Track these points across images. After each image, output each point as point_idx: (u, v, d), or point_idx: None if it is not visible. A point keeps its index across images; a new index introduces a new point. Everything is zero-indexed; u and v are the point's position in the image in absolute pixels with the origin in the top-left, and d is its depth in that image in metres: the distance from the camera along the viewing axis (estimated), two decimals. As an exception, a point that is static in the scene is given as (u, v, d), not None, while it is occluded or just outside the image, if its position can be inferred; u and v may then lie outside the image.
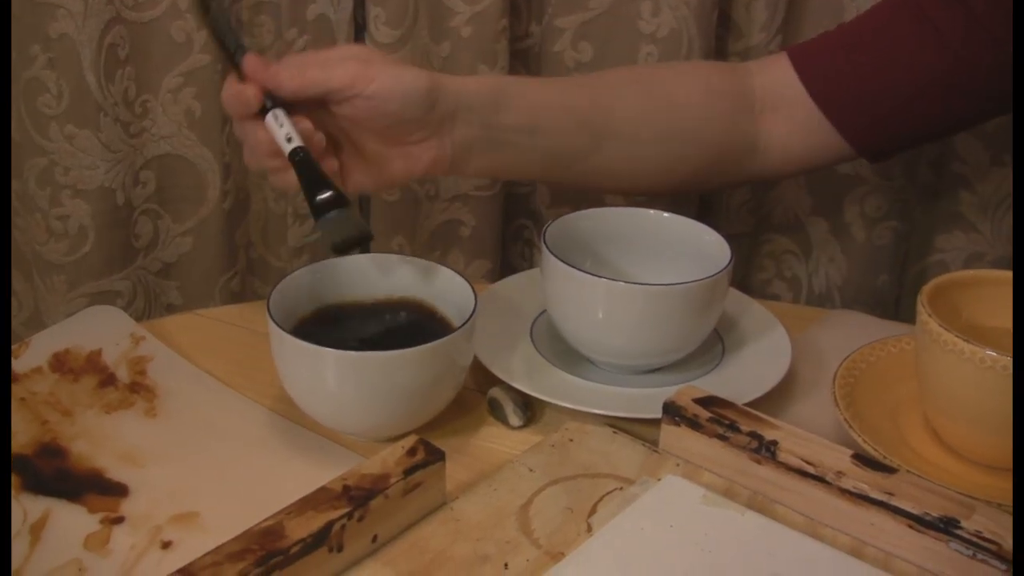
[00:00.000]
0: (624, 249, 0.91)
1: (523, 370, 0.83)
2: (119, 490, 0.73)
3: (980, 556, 0.65)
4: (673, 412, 0.74)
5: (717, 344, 0.88)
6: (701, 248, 0.86)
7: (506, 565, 0.65)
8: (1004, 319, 0.79)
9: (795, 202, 1.24)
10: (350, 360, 0.73)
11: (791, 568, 0.66)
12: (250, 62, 0.81)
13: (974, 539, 0.65)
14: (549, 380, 0.83)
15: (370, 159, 0.86)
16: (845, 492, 0.69)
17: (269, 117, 0.80)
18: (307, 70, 0.81)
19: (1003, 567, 0.64)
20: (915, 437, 0.79)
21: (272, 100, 0.81)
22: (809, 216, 1.25)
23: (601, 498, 0.71)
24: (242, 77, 0.81)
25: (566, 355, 0.87)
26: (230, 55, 0.84)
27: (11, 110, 1.07)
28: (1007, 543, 0.64)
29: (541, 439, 0.78)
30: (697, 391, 0.75)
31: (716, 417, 0.73)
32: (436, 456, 0.69)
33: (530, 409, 0.81)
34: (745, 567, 0.66)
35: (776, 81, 0.96)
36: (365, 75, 0.81)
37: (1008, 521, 0.65)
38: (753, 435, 0.72)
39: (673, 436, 0.75)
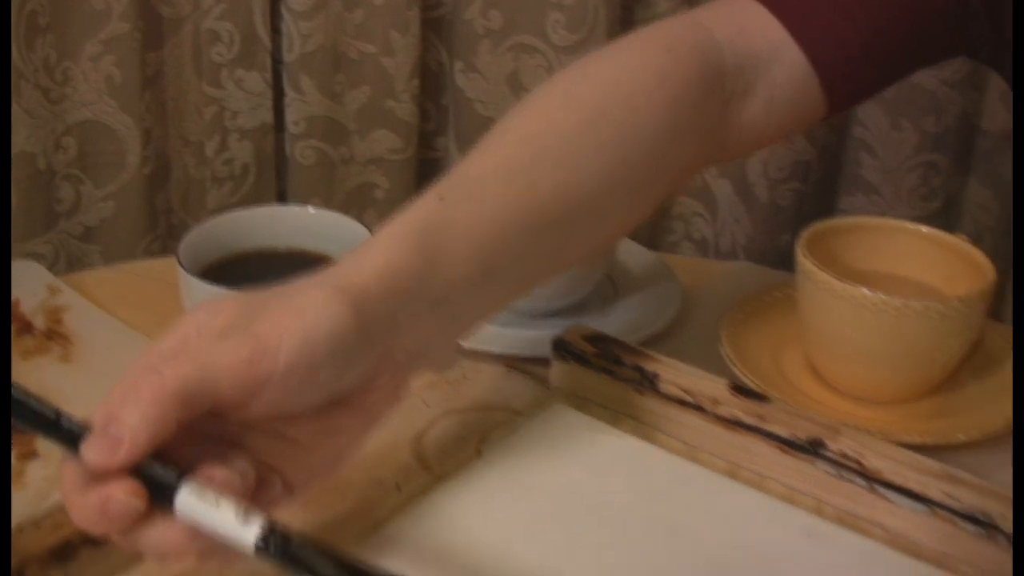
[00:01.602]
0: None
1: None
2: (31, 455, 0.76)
3: (845, 475, 0.69)
4: (562, 348, 0.78)
5: (611, 291, 0.92)
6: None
7: (398, 487, 0.68)
8: (878, 263, 0.84)
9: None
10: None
11: (670, 487, 0.70)
12: (98, 444, 0.50)
13: (839, 459, 0.69)
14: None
15: (304, 445, 0.56)
16: (721, 419, 0.73)
17: (185, 500, 0.50)
18: (168, 402, 0.50)
19: (865, 485, 0.68)
20: (794, 373, 0.84)
21: (154, 471, 0.50)
22: (715, 178, 1.29)
23: (492, 428, 0.74)
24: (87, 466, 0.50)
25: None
26: (58, 436, 0.52)
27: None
28: (869, 461, 0.68)
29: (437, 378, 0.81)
30: (585, 329, 0.79)
31: (602, 353, 0.77)
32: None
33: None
34: (626, 487, 0.71)
35: (752, 43, 0.76)
36: (260, 356, 0.52)
37: (871, 442, 0.70)
38: (636, 368, 0.75)
39: (562, 372, 0.79)
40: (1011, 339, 0.85)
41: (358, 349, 0.54)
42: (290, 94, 1.22)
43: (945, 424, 0.78)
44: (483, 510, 0.67)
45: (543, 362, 0.81)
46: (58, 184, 1.17)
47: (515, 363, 0.83)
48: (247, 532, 0.49)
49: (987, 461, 0.73)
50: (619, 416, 0.77)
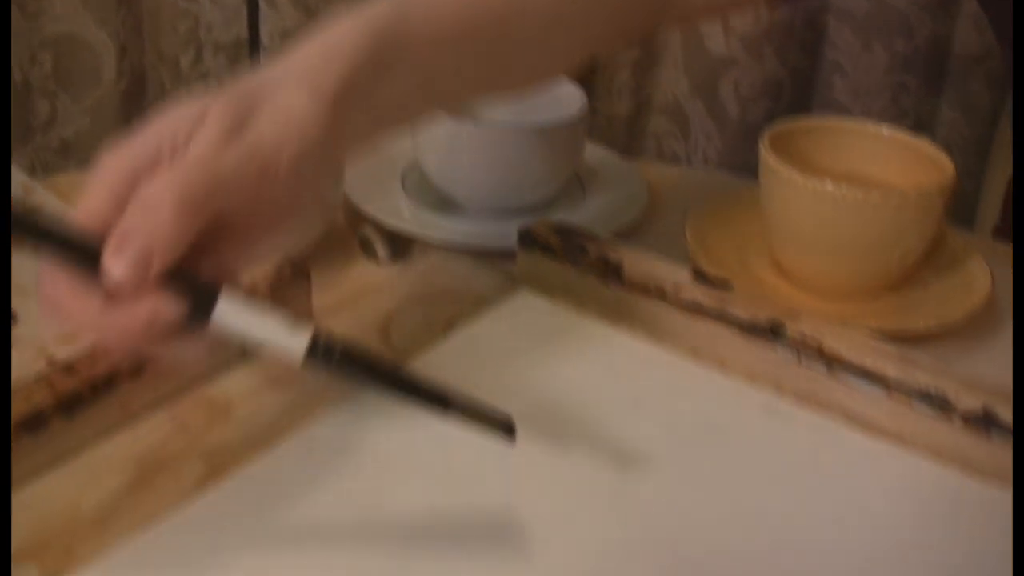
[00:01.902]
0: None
1: (393, 210, 0.88)
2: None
3: (804, 358, 0.70)
4: (527, 239, 0.79)
5: (579, 190, 0.94)
6: (559, 98, 0.92)
7: (366, 369, 0.69)
8: (840, 163, 0.85)
9: (673, 84, 1.29)
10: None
11: (632, 367, 0.72)
12: (125, 258, 0.48)
13: (798, 342, 0.70)
14: (417, 219, 0.88)
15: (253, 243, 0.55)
16: (683, 304, 0.74)
17: (227, 310, 0.50)
18: (190, 209, 0.49)
19: (824, 368, 0.69)
20: (758, 269, 0.85)
21: (189, 281, 0.50)
22: (687, 98, 1.30)
23: (458, 314, 0.76)
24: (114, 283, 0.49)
25: (435, 201, 0.92)
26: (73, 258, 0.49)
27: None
28: (828, 344, 0.69)
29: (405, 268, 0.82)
30: (551, 221, 0.80)
31: (567, 243, 0.78)
32: (301, 274, 0.73)
33: (399, 247, 0.85)
34: (589, 366, 0.72)
35: None
36: (266, 170, 0.52)
37: (830, 327, 0.71)
38: (601, 258, 0.77)
39: (528, 262, 0.80)
40: (973, 245, 0.88)
41: (336, 157, 0.57)
42: (264, 8, 1.22)
43: (904, 317, 0.79)
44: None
45: (510, 256, 0.82)
46: (34, 98, 1.17)
47: (482, 256, 0.84)
48: (296, 340, 0.51)
49: (945, 353, 0.75)
50: (583, 305, 0.78)
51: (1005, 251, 0.93)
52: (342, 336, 0.52)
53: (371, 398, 0.66)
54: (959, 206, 0.89)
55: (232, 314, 0.50)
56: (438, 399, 0.53)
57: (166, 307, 0.49)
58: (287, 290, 0.72)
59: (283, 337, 0.51)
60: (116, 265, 0.48)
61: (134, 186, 0.50)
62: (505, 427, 0.55)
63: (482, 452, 0.61)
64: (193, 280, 0.50)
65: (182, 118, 0.52)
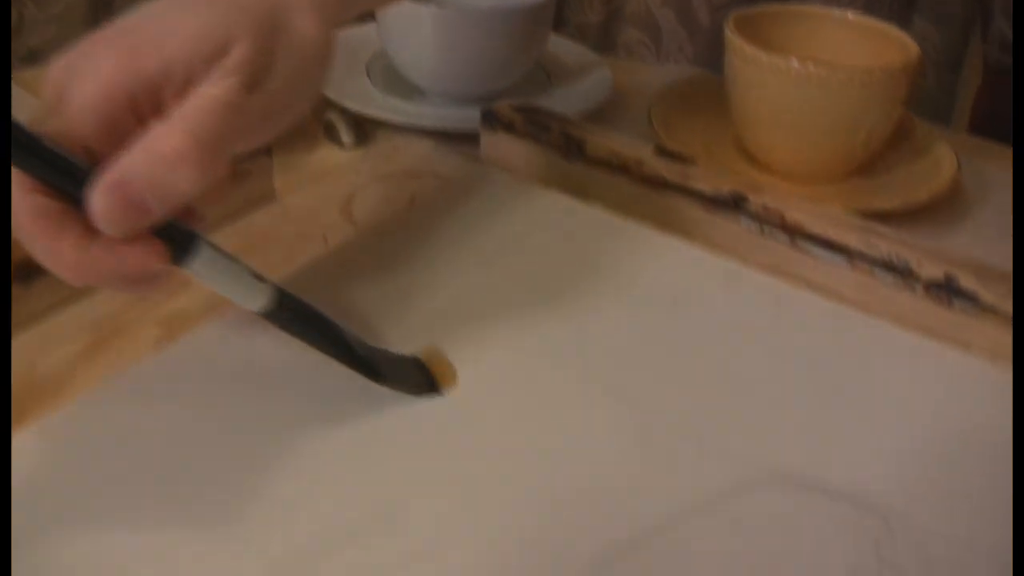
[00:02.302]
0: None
1: (358, 96, 0.87)
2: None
3: (766, 229, 0.70)
4: (491, 119, 0.79)
5: (543, 79, 0.93)
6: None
7: (325, 239, 0.69)
8: (805, 49, 0.85)
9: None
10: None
11: (595, 236, 0.72)
12: (121, 206, 0.44)
13: (760, 213, 0.70)
14: (382, 104, 0.87)
15: None
16: (646, 179, 0.74)
17: (205, 256, 0.49)
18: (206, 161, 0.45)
19: (786, 239, 0.69)
20: (722, 152, 0.85)
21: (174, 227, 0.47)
22: (659, 7, 1.30)
23: (420, 190, 0.75)
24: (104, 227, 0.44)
25: (400, 88, 0.92)
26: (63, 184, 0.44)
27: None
28: (790, 215, 0.69)
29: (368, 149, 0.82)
30: (514, 102, 0.80)
31: (530, 121, 0.77)
32: (262, 149, 0.73)
33: (363, 132, 0.85)
34: (550, 234, 0.72)
35: None
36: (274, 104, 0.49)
37: (793, 200, 0.71)
38: (563, 134, 0.76)
39: (492, 143, 0.80)
40: (940, 136, 0.88)
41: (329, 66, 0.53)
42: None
43: (869, 198, 0.79)
44: (408, 257, 0.68)
45: (473, 140, 0.82)
46: (0, 6, 1.16)
47: (446, 140, 0.84)
48: (260, 291, 0.52)
49: (909, 235, 0.74)
50: (546, 182, 0.77)
51: (974, 143, 0.93)
52: (298, 299, 0.54)
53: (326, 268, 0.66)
54: (932, 118, 0.90)
55: (205, 262, 0.49)
56: (372, 372, 0.56)
57: (156, 256, 0.46)
58: (248, 164, 0.72)
59: (246, 290, 0.51)
60: (110, 212, 0.44)
61: (133, 113, 0.45)
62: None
63: (442, 309, 0.61)
64: (174, 225, 0.47)
65: (201, 40, 0.46)
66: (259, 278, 0.51)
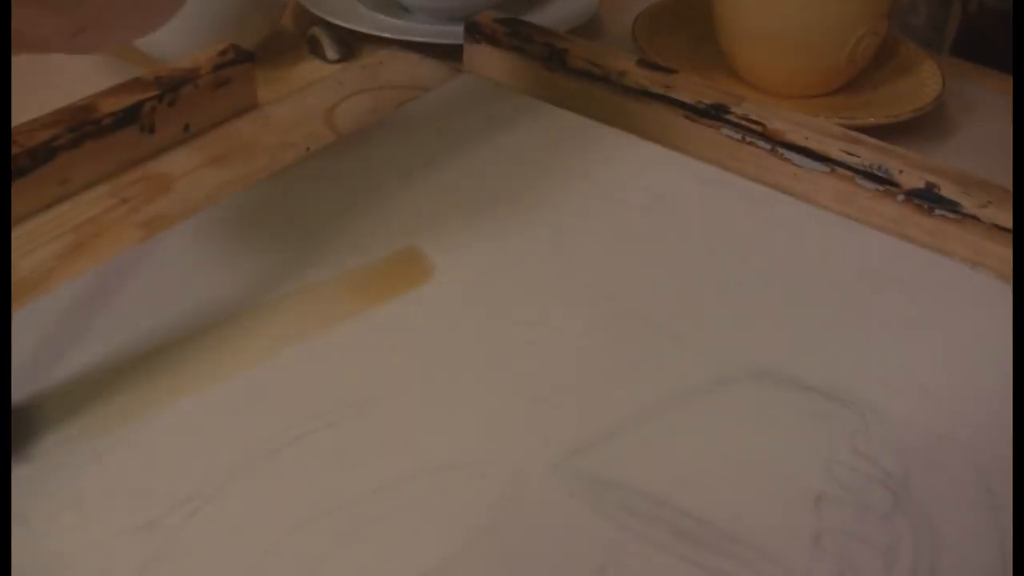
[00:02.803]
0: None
1: (341, 11, 0.87)
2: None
3: (748, 139, 0.70)
4: (474, 30, 0.79)
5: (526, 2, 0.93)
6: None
7: (308, 148, 0.69)
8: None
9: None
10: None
11: (571, 142, 0.72)
12: None
13: (743, 122, 0.70)
14: (366, 18, 0.87)
15: None
16: (628, 90, 0.73)
17: None
18: None
19: (768, 147, 0.69)
20: (707, 67, 0.85)
21: None
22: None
23: (404, 100, 0.75)
24: None
25: (385, 5, 0.92)
26: None
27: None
28: (772, 124, 0.69)
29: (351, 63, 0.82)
30: (498, 14, 0.80)
31: (513, 32, 0.77)
32: (245, 56, 0.73)
33: (347, 47, 0.85)
34: (533, 137, 0.72)
35: None
36: None
37: (775, 109, 0.72)
38: (546, 45, 0.76)
39: (475, 55, 0.79)
40: (927, 55, 0.88)
41: None
42: None
43: (854, 112, 0.79)
44: (388, 166, 0.69)
45: (456, 54, 0.82)
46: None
47: (429, 53, 0.84)
48: None
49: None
50: (528, 92, 0.77)
51: (962, 65, 0.93)
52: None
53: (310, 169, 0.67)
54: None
55: None
56: None
57: None
58: (230, 72, 0.71)
59: None
60: None
61: None
62: None
63: (422, 212, 0.61)
64: None
65: None
66: None
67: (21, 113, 0.63)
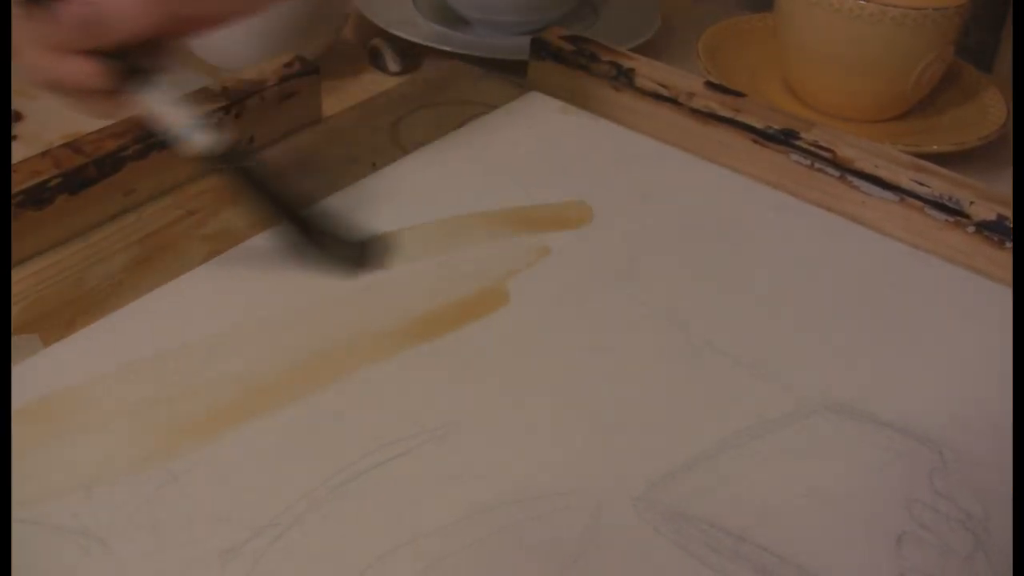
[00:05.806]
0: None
1: (403, 22, 0.87)
2: (14, 116, 0.76)
3: (817, 165, 0.69)
4: (540, 47, 0.78)
5: (592, 15, 0.93)
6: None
7: (374, 164, 0.69)
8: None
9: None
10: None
11: (639, 163, 0.71)
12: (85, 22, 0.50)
13: (812, 148, 0.69)
14: (428, 31, 0.87)
15: None
16: (695, 112, 0.73)
17: (158, 89, 0.56)
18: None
19: (837, 174, 0.68)
20: (770, 91, 0.84)
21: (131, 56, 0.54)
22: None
23: (469, 116, 0.74)
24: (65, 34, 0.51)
25: (447, 18, 0.91)
26: None
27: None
28: (841, 151, 0.68)
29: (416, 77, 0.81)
30: (564, 31, 0.79)
31: (579, 50, 0.77)
32: (311, 68, 0.72)
33: (409, 59, 0.84)
34: (598, 158, 0.72)
35: None
36: None
37: (844, 135, 0.70)
38: (613, 64, 0.76)
39: (540, 71, 0.79)
40: (990, 82, 0.86)
41: None
42: None
43: (919, 139, 0.78)
44: (451, 183, 0.68)
45: (520, 69, 0.81)
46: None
47: (493, 68, 0.83)
48: (203, 135, 0.56)
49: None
50: (594, 111, 0.77)
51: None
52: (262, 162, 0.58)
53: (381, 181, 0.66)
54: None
55: (163, 95, 0.54)
56: (314, 235, 0.59)
57: (93, 77, 0.51)
58: (296, 83, 0.71)
59: (192, 131, 0.56)
60: (69, 21, 0.50)
61: None
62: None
63: (491, 234, 0.61)
64: (133, 60, 0.53)
65: None
66: (212, 127, 0.55)
67: (87, 123, 0.62)
